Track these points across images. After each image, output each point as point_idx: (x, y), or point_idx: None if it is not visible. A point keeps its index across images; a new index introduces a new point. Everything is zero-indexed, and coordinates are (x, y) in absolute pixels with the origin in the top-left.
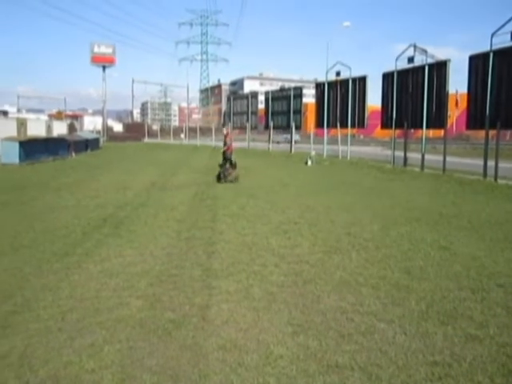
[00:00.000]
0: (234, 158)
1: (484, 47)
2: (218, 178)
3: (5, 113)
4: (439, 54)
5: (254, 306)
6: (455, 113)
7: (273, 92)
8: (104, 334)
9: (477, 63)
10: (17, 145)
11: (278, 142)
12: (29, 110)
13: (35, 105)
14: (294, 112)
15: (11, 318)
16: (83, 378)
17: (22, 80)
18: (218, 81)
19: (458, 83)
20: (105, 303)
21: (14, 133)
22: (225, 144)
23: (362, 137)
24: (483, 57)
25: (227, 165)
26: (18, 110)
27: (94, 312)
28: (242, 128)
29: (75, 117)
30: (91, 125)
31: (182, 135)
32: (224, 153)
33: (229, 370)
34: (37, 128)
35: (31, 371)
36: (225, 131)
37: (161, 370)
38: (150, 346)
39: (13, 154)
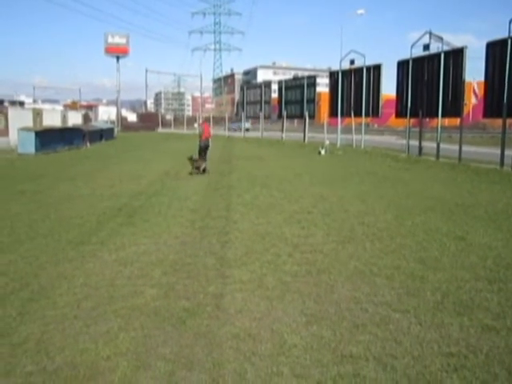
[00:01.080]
0: (210, 144)
1: (503, 34)
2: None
3: (21, 103)
4: (458, 42)
5: (267, 296)
6: (472, 101)
7: (286, 81)
8: (119, 321)
9: (494, 50)
10: (33, 135)
11: (234, 130)
12: (44, 101)
13: (51, 95)
14: (307, 101)
15: (28, 305)
16: (99, 365)
17: (38, 71)
18: (231, 70)
19: (477, 71)
20: (119, 291)
21: (29, 123)
22: (200, 134)
23: (376, 126)
24: (501, 44)
25: (194, 156)
26: (34, 101)
27: (108, 300)
28: (256, 117)
29: (90, 107)
30: (105, 115)
31: (196, 125)
32: (201, 142)
33: (243, 359)
34: (52, 118)
35: (48, 357)
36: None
37: (175, 358)
38: (165, 334)
39: (29, 144)
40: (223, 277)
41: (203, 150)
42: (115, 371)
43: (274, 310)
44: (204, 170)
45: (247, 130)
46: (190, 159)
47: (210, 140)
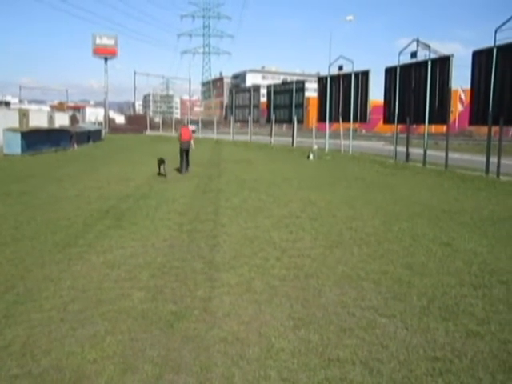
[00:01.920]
0: (192, 148)
1: (490, 43)
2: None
3: (7, 103)
4: (445, 50)
5: (255, 299)
6: (459, 108)
7: (275, 85)
8: (106, 324)
9: (480, 59)
10: (19, 135)
11: (193, 131)
12: (31, 101)
13: (37, 96)
14: (295, 106)
15: (13, 308)
16: (85, 368)
17: (24, 71)
18: (220, 74)
19: (463, 79)
20: (107, 294)
21: (15, 123)
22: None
23: (364, 131)
24: (487, 52)
25: (180, 156)
26: (20, 101)
27: (95, 303)
28: (244, 121)
29: (77, 108)
30: (93, 116)
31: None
32: (181, 144)
33: (230, 363)
34: (39, 119)
35: (33, 360)
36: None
37: (162, 361)
38: (152, 337)
39: (15, 145)
40: (211, 280)
41: (184, 152)
42: (102, 374)
43: (261, 313)
44: (162, 173)
45: (193, 132)
46: (159, 161)
47: (191, 142)
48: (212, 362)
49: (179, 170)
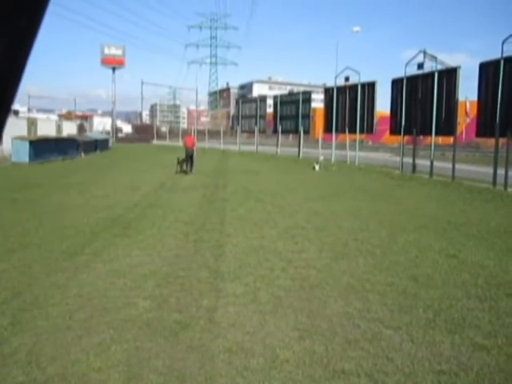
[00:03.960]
0: (195, 154)
1: (497, 54)
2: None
3: (15, 112)
4: (452, 61)
5: (260, 310)
6: (465, 120)
7: (281, 96)
8: (111, 333)
9: (487, 70)
10: (27, 144)
11: None
12: (39, 110)
13: (45, 105)
14: (302, 116)
15: (20, 315)
16: (90, 377)
17: (33, 80)
18: (227, 84)
19: (470, 90)
20: (112, 303)
21: (24, 132)
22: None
23: (370, 142)
24: (494, 64)
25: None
26: (29, 110)
27: (101, 311)
28: (251, 132)
29: (85, 117)
30: (100, 125)
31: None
32: (186, 150)
33: (235, 373)
34: (47, 128)
35: (39, 368)
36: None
37: (167, 370)
38: (157, 346)
39: (23, 153)
40: (216, 290)
41: (188, 156)
42: (106, 383)
43: (266, 324)
44: (184, 170)
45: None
46: (178, 160)
47: (194, 149)
48: (216, 372)
49: (184, 172)
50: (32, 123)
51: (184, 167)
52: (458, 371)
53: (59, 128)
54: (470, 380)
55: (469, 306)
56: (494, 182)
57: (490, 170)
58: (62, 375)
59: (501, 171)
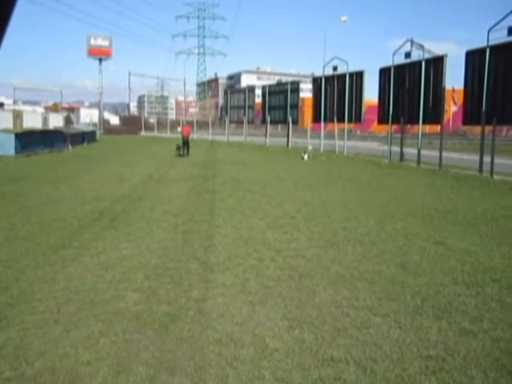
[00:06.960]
0: (190, 140)
1: (483, 43)
2: (178, 153)
3: (1, 104)
4: (438, 49)
5: (250, 300)
6: (452, 108)
7: (270, 86)
8: (100, 326)
9: (473, 59)
10: (13, 137)
11: None
12: (25, 102)
13: (31, 97)
14: (290, 106)
15: (7, 309)
16: (79, 370)
17: (18, 72)
18: (215, 74)
19: (456, 78)
20: (101, 296)
21: (9, 125)
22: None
23: (358, 132)
24: (480, 52)
25: (182, 145)
26: (14, 102)
27: (90, 304)
28: (239, 122)
29: (71, 109)
30: (87, 117)
31: (179, 129)
32: (183, 138)
33: (225, 364)
34: (33, 120)
35: (27, 363)
36: (179, 129)
37: (157, 362)
38: (146, 338)
39: (9, 146)
40: (206, 281)
41: (185, 143)
42: (96, 376)
43: (256, 314)
44: (182, 153)
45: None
46: (177, 146)
47: (189, 137)
48: (206, 363)
49: (181, 155)
50: (17, 115)
51: (181, 151)
52: (445, 356)
53: (45, 120)
54: (456, 364)
55: (456, 291)
56: (481, 169)
57: (477, 158)
58: (51, 369)
59: (487, 158)
